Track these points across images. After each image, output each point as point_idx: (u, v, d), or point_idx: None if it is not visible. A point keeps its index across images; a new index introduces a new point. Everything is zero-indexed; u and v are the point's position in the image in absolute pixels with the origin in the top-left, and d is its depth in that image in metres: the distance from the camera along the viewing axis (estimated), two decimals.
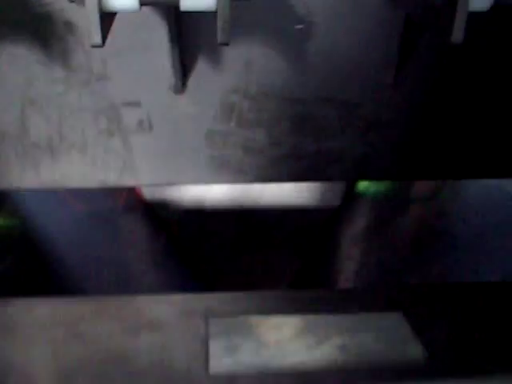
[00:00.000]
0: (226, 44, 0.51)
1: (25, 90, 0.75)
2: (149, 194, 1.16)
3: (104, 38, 0.52)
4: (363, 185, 1.18)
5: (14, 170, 0.79)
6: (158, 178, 0.81)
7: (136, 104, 0.76)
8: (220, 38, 0.51)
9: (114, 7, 0.52)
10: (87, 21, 0.69)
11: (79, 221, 1.11)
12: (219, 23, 0.51)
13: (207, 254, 1.19)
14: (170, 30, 0.68)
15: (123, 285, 1.09)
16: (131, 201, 1.14)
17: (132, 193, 1.14)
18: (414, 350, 0.67)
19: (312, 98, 0.77)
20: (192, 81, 0.75)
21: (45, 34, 0.72)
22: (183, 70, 0.74)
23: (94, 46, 0.52)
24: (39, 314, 0.73)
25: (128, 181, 0.81)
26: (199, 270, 1.19)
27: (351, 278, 1.14)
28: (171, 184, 0.81)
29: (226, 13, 0.51)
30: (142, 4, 0.52)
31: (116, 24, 0.61)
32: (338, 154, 0.80)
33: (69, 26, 0.72)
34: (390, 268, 1.13)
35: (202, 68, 0.74)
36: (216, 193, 1.18)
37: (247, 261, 1.19)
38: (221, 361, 0.66)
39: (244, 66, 0.75)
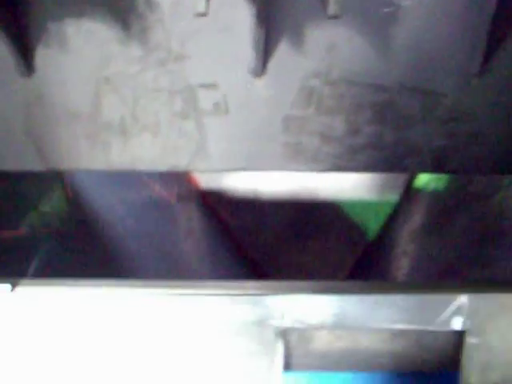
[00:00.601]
0: (337, 17, 0.49)
1: (101, 68, 0.73)
2: (204, 182, 1.14)
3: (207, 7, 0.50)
4: (423, 180, 1.15)
5: (83, 150, 0.78)
6: (230, 163, 0.79)
7: (213, 86, 0.74)
8: (331, 9, 0.48)
9: None
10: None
11: (134, 207, 1.09)
12: None
13: (261, 243, 1.16)
14: (258, 11, 0.65)
15: (177, 272, 1.07)
16: (187, 189, 1.12)
17: (188, 181, 1.12)
18: None
19: (395, 85, 0.74)
20: (272, 64, 0.73)
21: (124, 11, 0.70)
22: (265, 52, 0.71)
23: (198, 15, 0.49)
24: None
25: (200, 165, 0.78)
26: (253, 258, 1.17)
27: (408, 273, 1.11)
28: (243, 170, 0.78)
29: None
30: None
31: (198, 2, 0.58)
32: (417, 145, 0.77)
33: (149, 3, 0.70)
34: (448, 265, 1.10)
35: (283, 51, 0.72)
36: (272, 182, 1.15)
37: (302, 252, 1.17)
38: None
39: (327, 50, 0.72)
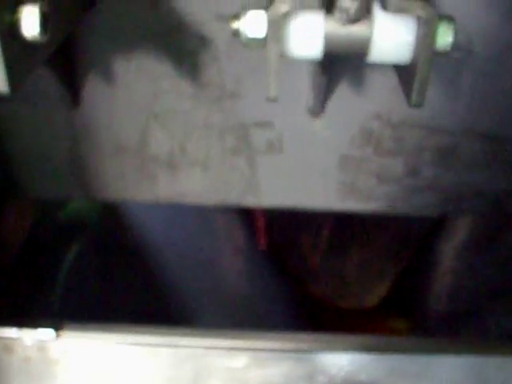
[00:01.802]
0: (420, 105, 0.45)
1: (150, 104, 0.70)
2: None
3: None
4: None
5: (130, 182, 0.75)
6: (282, 200, 0.76)
7: (268, 124, 0.71)
8: (415, 99, 0.45)
9: (295, 55, 0.46)
10: (225, 37, 0.64)
11: (171, 219, 1.07)
12: (417, 83, 0.45)
13: (302, 256, 1.14)
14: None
15: (216, 289, 1.06)
16: None
17: None
18: None
19: (459, 129, 0.70)
20: (331, 104, 0.69)
21: (177, 47, 0.67)
22: (324, 92, 0.67)
23: (269, 100, 0.46)
24: None
25: (250, 201, 0.76)
26: (292, 273, 1.15)
27: (453, 291, 1.08)
28: (295, 208, 0.76)
29: (427, 71, 0.44)
30: (326, 53, 0.46)
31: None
32: (478, 189, 0.74)
33: (204, 40, 0.66)
34: (494, 284, 1.07)
35: (344, 92, 0.68)
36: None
37: (342, 265, 1.14)
38: None
39: (389, 93, 0.68)
